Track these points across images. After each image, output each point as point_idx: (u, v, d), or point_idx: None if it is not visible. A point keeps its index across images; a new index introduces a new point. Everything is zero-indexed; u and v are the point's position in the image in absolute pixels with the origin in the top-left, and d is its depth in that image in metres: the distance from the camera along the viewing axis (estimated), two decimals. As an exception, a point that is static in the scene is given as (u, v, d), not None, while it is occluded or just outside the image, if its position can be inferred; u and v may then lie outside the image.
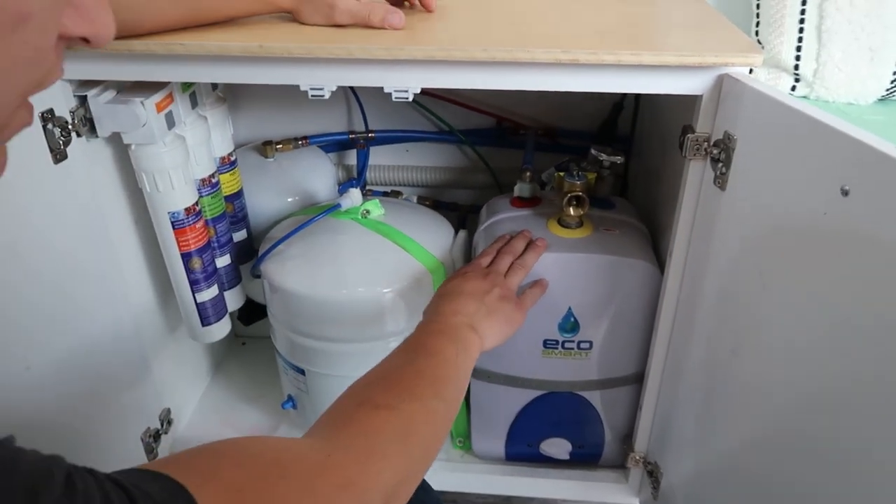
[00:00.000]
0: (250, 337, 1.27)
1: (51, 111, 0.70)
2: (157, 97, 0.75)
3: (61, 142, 0.72)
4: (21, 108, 0.31)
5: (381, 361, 0.60)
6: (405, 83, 0.67)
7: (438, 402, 0.55)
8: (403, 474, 0.47)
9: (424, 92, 0.79)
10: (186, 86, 0.82)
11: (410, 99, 0.68)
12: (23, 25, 0.27)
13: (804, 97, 0.95)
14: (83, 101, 0.74)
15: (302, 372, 0.95)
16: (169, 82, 0.78)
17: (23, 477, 0.28)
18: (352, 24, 0.69)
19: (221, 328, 0.95)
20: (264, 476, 0.39)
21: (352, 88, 1.11)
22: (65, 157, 0.72)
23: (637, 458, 0.92)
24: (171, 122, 0.79)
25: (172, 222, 0.83)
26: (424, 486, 0.66)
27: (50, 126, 0.70)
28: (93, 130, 0.75)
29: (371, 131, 1.13)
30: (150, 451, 0.95)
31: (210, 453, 0.39)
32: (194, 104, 0.85)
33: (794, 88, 0.94)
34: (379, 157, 1.18)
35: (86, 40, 0.32)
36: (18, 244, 0.68)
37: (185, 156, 0.81)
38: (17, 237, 0.67)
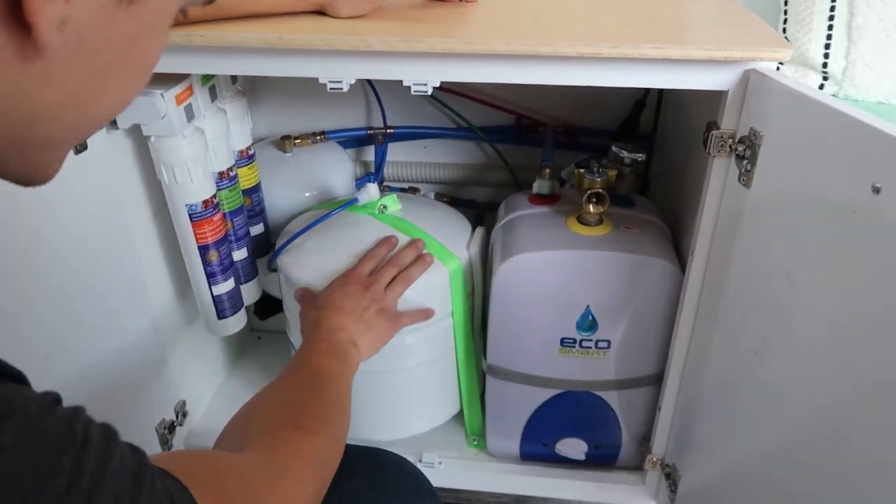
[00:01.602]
0: (266, 331, 1.27)
1: (71, 102, 0.70)
2: (177, 89, 0.75)
3: (82, 132, 0.72)
4: None
5: (284, 379, 0.64)
6: (425, 76, 0.67)
7: (343, 429, 0.60)
8: (316, 496, 0.51)
9: (443, 88, 0.78)
10: (206, 78, 0.82)
11: (430, 92, 0.67)
12: (150, 74, 0.35)
13: (832, 96, 0.93)
14: (104, 92, 0.74)
15: (317, 367, 0.95)
16: (188, 75, 0.78)
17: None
18: None
19: (237, 321, 0.95)
20: (243, 493, 0.44)
21: (371, 84, 1.11)
22: (85, 147, 0.73)
23: (655, 460, 0.91)
24: (190, 114, 0.79)
25: (190, 214, 0.83)
26: (415, 472, 0.66)
27: (70, 116, 0.70)
28: (113, 122, 0.76)
29: (389, 127, 1.13)
30: (165, 442, 0.96)
31: (205, 462, 0.41)
32: (214, 97, 0.85)
33: (822, 87, 0.93)
34: (397, 153, 1.18)
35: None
36: (40, 234, 0.68)
37: (203, 148, 0.81)
38: (39, 227, 0.68)
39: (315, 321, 0.74)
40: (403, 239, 0.89)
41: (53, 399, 0.31)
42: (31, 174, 0.34)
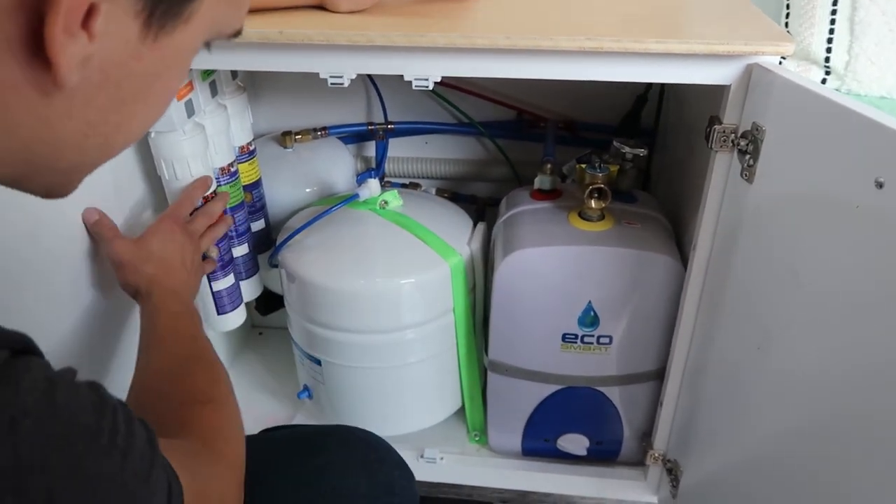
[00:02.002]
0: (267, 327, 1.27)
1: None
2: (177, 84, 0.75)
3: (82, 128, 0.72)
4: None
5: (160, 353, 0.62)
6: (426, 71, 0.66)
7: (230, 386, 0.61)
8: (240, 453, 0.54)
9: (444, 83, 0.78)
10: (206, 73, 0.82)
11: (431, 87, 0.67)
12: (169, 105, 0.36)
13: (835, 90, 0.92)
14: (104, 87, 0.74)
15: (318, 362, 0.95)
16: (189, 69, 0.77)
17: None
18: None
19: (237, 317, 0.95)
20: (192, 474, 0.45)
21: (371, 79, 1.10)
22: (85, 143, 0.72)
23: (656, 455, 0.91)
24: (190, 110, 0.78)
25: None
26: (384, 446, 0.67)
27: (71, 112, 0.70)
28: (113, 117, 0.75)
29: (390, 123, 1.12)
30: (167, 438, 0.95)
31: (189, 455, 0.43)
32: (214, 93, 0.85)
33: (824, 81, 0.92)
34: (398, 148, 1.17)
35: None
36: (39, 230, 0.68)
37: (204, 144, 0.81)
38: (39, 223, 0.67)
39: (151, 278, 0.70)
40: (400, 233, 0.89)
41: (75, 372, 0.34)
42: (52, 192, 0.35)
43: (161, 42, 0.30)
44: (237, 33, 0.39)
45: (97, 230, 0.73)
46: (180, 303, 0.68)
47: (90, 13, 0.27)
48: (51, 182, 0.34)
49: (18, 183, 0.33)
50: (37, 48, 0.26)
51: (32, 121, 0.29)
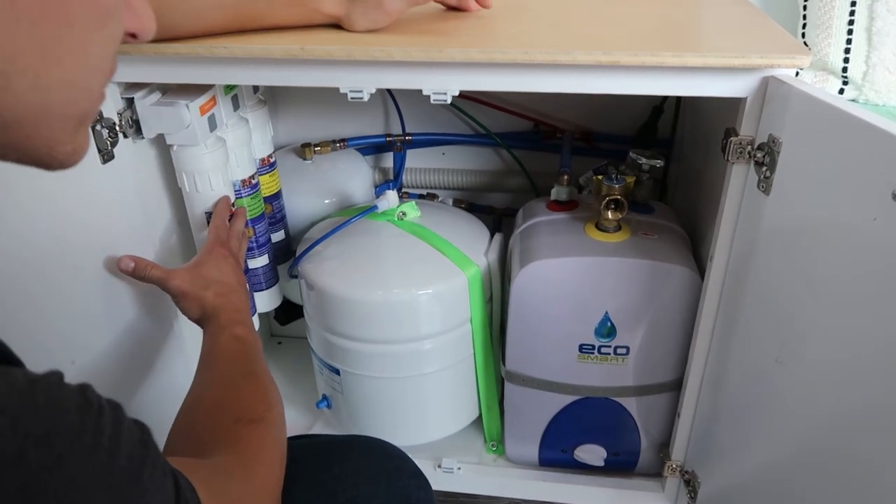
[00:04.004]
0: (287, 336, 1.29)
1: (99, 113, 0.72)
2: (201, 100, 0.77)
3: (109, 143, 0.74)
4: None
5: (213, 370, 0.63)
6: (444, 86, 0.67)
7: (279, 400, 0.62)
8: (281, 473, 0.55)
9: (462, 95, 0.79)
10: (229, 88, 0.83)
11: (449, 101, 0.68)
12: (110, 22, 0.32)
13: (853, 100, 0.92)
14: (130, 103, 0.76)
15: (337, 372, 0.96)
16: (212, 85, 0.79)
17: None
18: (405, 6, 0.68)
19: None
20: (227, 491, 0.46)
21: (390, 93, 1.12)
22: (112, 157, 0.74)
23: (674, 466, 0.91)
24: (213, 124, 0.80)
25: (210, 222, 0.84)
26: (400, 455, 0.67)
27: (98, 127, 0.72)
28: (139, 132, 0.77)
29: (408, 134, 1.14)
30: (189, 446, 0.97)
31: (188, 468, 0.42)
32: (236, 107, 0.86)
33: (841, 91, 0.92)
34: (415, 159, 1.19)
35: (133, 35, 0.35)
36: (67, 242, 0.70)
37: (225, 158, 0.83)
38: (66, 235, 0.69)
39: (214, 302, 0.71)
40: (417, 244, 0.90)
41: (61, 375, 0.33)
42: (37, 158, 0.33)
43: None
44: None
45: (141, 275, 0.75)
46: (243, 324, 0.69)
47: None
48: (18, 141, 0.32)
49: None
50: None
51: None
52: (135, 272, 0.74)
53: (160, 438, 0.40)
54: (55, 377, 0.32)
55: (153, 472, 0.35)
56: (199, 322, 0.72)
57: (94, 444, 0.31)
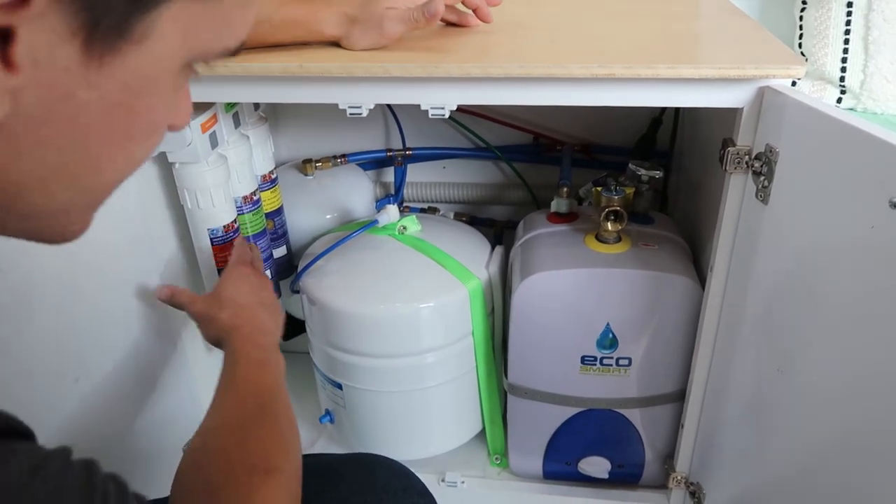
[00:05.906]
0: (289, 352, 1.27)
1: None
2: (203, 118, 0.78)
3: (111, 161, 0.74)
4: None
5: (228, 409, 0.58)
6: (442, 100, 0.68)
7: (298, 445, 0.57)
8: None
9: (461, 109, 0.80)
10: (229, 106, 0.84)
11: (447, 116, 0.68)
12: (157, 134, 0.33)
13: (850, 109, 0.92)
14: (132, 121, 0.76)
15: (339, 387, 0.96)
16: (213, 103, 0.80)
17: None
18: (404, 30, 0.68)
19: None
20: None
21: (390, 108, 1.13)
22: (114, 175, 0.75)
23: (679, 478, 0.90)
24: (214, 141, 0.81)
25: (211, 239, 0.85)
26: (406, 472, 0.66)
27: (100, 146, 0.72)
28: (140, 150, 0.78)
29: (408, 149, 1.14)
30: (192, 463, 0.97)
31: None
32: (237, 124, 0.87)
33: (839, 100, 0.92)
34: (416, 174, 1.19)
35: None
36: (70, 260, 0.70)
37: (226, 175, 0.83)
38: (69, 253, 0.70)
39: (228, 323, 0.68)
40: (418, 258, 0.90)
41: (69, 454, 0.32)
42: (47, 238, 0.33)
43: (112, 67, 0.27)
44: (232, 53, 0.34)
45: (174, 302, 0.75)
46: (262, 348, 0.66)
47: (7, 41, 0.23)
48: (37, 228, 0.32)
49: (4, 229, 0.31)
50: None
51: None
52: (171, 300, 0.75)
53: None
54: (60, 460, 0.31)
55: None
56: (217, 345, 0.69)
57: None
